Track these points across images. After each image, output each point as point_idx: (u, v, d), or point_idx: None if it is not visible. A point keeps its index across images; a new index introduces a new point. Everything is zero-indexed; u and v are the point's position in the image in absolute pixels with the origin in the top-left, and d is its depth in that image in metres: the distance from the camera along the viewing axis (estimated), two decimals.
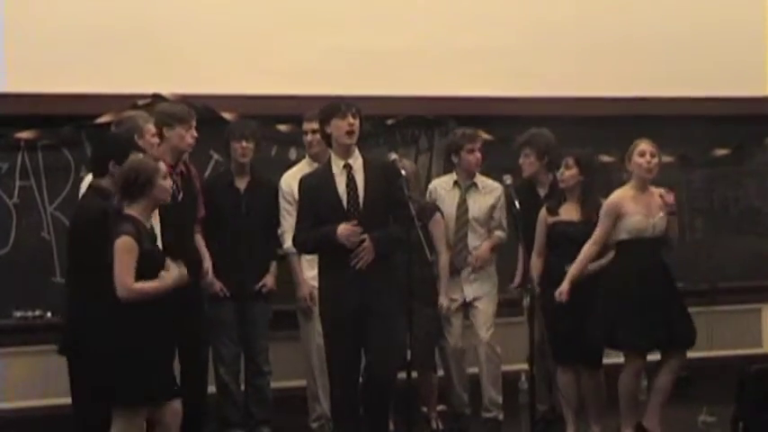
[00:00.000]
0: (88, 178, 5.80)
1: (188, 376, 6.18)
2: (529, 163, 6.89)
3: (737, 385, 6.28)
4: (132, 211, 5.19)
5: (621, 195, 6.38)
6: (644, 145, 6.39)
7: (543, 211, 6.56)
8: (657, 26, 8.23)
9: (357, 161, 5.91)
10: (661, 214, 6.34)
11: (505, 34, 7.93)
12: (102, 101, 7.01)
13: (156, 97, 7.18)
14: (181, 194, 6.16)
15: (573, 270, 6.29)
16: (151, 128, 6.04)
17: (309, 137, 6.79)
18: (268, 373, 6.84)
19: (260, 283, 6.78)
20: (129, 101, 7.04)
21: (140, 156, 5.43)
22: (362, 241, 5.75)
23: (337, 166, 5.89)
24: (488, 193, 6.96)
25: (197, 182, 6.48)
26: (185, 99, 7.19)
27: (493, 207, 6.94)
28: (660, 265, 6.37)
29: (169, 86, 7.20)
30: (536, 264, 6.55)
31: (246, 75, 7.33)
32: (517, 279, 7.07)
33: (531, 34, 8.00)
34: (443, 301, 6.77)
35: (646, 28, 8.23)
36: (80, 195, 5.81)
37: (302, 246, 6.12)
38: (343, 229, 5.73)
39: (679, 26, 8.24)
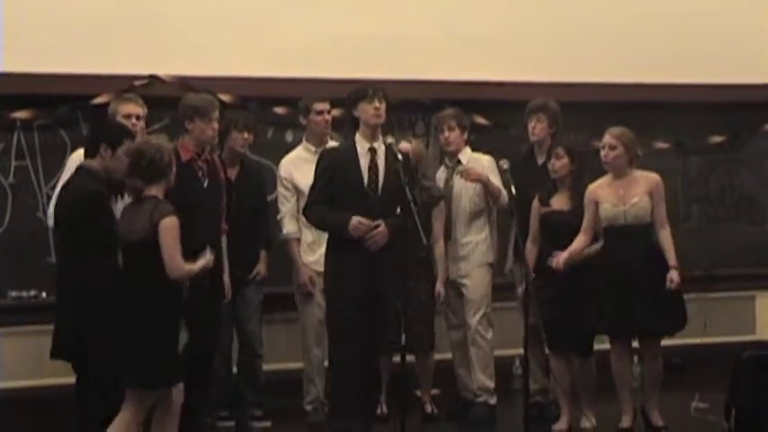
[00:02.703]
0: (77, 154, 5.79)
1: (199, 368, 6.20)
2: (541, 128, 6.92)
3: (731, 372, 6.29)
4: (154, 192, 5.19)
5: (598, 183, 6.43)
6: (606, 137, 6.41)
7: (535, 202, 6.59)
8: (654, 12, 8.23)
9: (381, 147, 5.97)
10: (634, 201, 6.32)
11: (502, 19, 7.93)
12: (99, 81, 7.00)
13: (153, 78, 7.18)
14: (206, 181, 6.16)
15: (567, 253, 6.32)
16: (124, 109, 6.05)
17: (318, 117, 6.78)
18: (260, 356, 6.86)
19: (254, 272, 6.80)
20: (125, 81, 7.04)
21: (155, 137, 5.46)
22: (377, 225, 5.79)
23: (362, 147, 5.95)
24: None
25: (221, 172, 6.39)
26: (182, 80, 7.20)
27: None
28: (639, 252, 6.32)
29: (166, 67, 7.20)
30: (531, 251, 6.57)
31: (244, 57, 7.32)
32: (508, 264, 7.12)
33: (528, 19, 8.01)
34: (440, 288, 6.79)
35: (642, 13, 8.23)
36: (66, 170, 5.78)
37: (313, 221, 6.13)
38: (356, 223, 5.76)
39: (676, 12, 8.24)
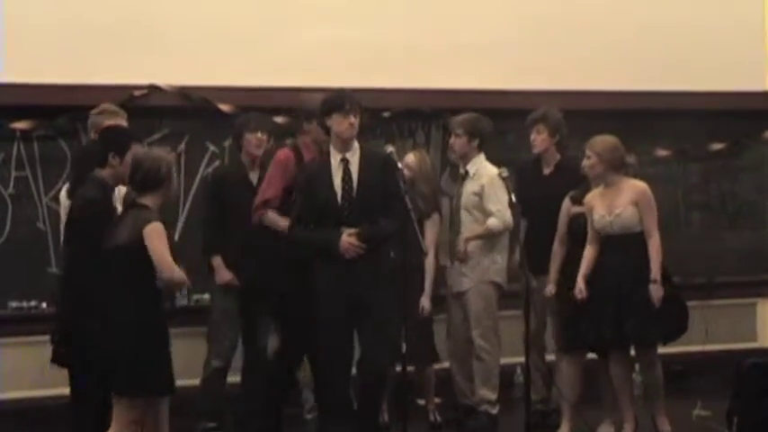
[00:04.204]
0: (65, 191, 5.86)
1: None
2: (541, 139, 6.89)
3: (733, 379, 6.28)
4: (147, 201, 5.16)
5: (592, 193, 6.40)
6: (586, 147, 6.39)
7: (567, 202, 6.58)
8: (655, 20, 8.23)
9: (355, 155, 5.93)
10: (618, 211, 6.28)
11: (502, 28, 7.93)
12: (99, 91, 6.98)
13: (153, 88, 7.19)
14: None
15: (581, 272, 6.31)
16: (108, 121, 6.00)
17: None
18: None
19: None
20: (125, 92, 7.05)
21: (157, 149, 5.45)
22: (350, 234, 5.77)
23: (335, 159, 5.92)
24: (474, 181, 6.86)
25: None
26: (182, 90, 7.20)
27: (476, 195, 6.79)
28: (628, 261, 6.26)
29: (166, 77, 7.22)
30: (558, 251, 6.58)
31: (243, 66, 7.32)
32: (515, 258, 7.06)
33: (529, 28, 8.00)
34: (425, 302, 6.74)
35: (644, 22, 8.23)
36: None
37: (297, 242, 6.05)
38: (347, 243, 5.74)
39: (677, 20, 8.24)
